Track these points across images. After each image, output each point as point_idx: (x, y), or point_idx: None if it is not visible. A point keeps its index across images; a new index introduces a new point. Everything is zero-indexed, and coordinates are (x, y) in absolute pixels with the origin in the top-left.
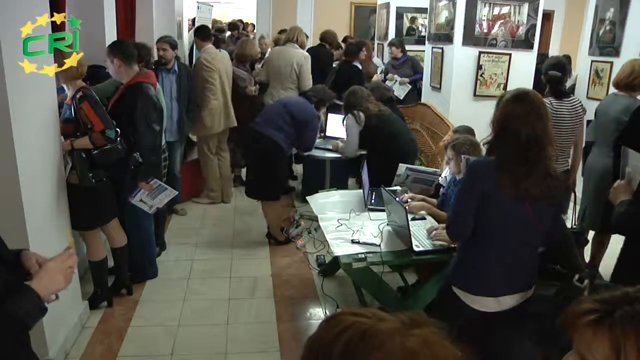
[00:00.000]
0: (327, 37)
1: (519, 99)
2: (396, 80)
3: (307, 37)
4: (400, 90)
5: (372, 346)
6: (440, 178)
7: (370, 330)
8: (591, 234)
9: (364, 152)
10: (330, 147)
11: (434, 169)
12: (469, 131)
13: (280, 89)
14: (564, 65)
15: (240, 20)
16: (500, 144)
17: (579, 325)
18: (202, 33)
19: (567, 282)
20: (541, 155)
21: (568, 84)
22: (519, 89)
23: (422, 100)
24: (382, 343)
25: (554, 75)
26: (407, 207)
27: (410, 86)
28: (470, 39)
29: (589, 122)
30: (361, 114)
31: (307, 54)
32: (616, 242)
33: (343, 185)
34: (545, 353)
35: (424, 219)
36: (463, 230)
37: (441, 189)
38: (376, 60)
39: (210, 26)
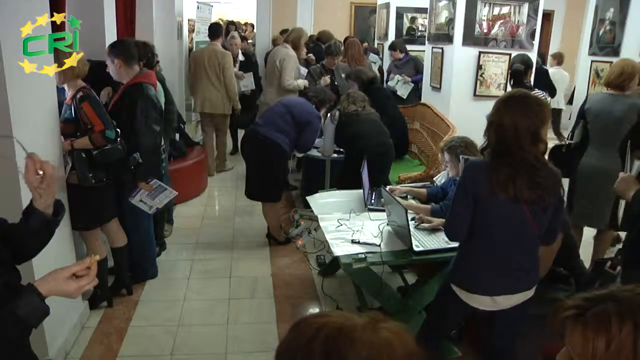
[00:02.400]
0: (322, 37)
1: (506, 101)
2: (398, 80)
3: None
4: (403, 89)
5: (351, 339)
6: (435, 185)
7: (345, 326)
8: (590, 234)
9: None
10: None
11: (423, 183)
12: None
13: (268, 85)
14: (528, 61)
15: (232, 23)
16: (488, 146)
17: (562, 321)
18: (210, 31)
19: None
20: (523, 156)
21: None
22: (509, 91)
23: (422, 100)
24: (359, 336)
25: (517, 68)
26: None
27: (412, 84)
28: (470, 39)
29: (578, 122)
30: (337, 112)
31: (292, 52)
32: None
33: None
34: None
35: None
36: (459, 230)
37: (435, 184)
38: (372, 56)
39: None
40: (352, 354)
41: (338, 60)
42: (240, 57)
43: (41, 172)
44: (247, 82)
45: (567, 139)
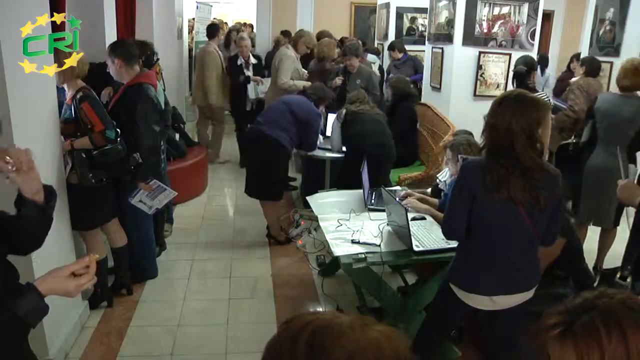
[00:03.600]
0: (321, 38)
1: (501, 102)
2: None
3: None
4: None
5: (337, 334)
6: (438, 181)
7: (332, 322)
8: (595, 232)
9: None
10: (330, 147)
11: (422, 190)
12: (468, 134)
13: (270, 85)
14: (531, 62)
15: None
16: (485, 146)
17: (547, 340)
18: (207, 31)
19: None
20: (517, 158)
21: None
22: (506, 91)
23: (422, 100)
24: (345, 333)
25: (519, 70)
26: (407, 204)
27: (411, 85)
28: (470, 39)
29: (586, 122)
30: (344, 110)
31: (290, 53)
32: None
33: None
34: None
35: (424, 218)
36: (456, 229)
37: (442, 193)
38: (370, 56)
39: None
40: (336, 349)
41: (350, 62)
42: (253, 60)
43: (8, 159)
44: (266, 88)
45: (574, 138)
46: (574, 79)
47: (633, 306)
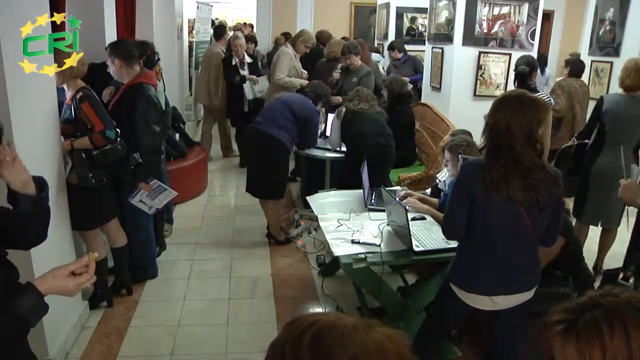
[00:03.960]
0: (321, 38)
1: (500, 101)
2: None
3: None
4: None
5: (340, 336)
6: (438, 181)
7: (336, 324)
8: (595, 232)
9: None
10: (330, 147)
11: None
12: (466, 134)
13: (270, 84)
14: (532, 62)
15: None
16: (485, 146)
17: (551, 336)
18: (214, 32)
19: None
20: (517, 157)
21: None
22: (505, 91)
23: (422, 100)
24: (349, 335)
25: (522, 70)
26: (407, 204)
27: (411, 85)
28: (470, 39)
29: (594, 124)
30: (343, 109)
31: (288, 51)
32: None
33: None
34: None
35: (424, 218)
36: (456, 229)
37: (442, 193)
38: (375, 56)
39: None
40: (340, 350)
41: (351, 60)
42: (248, 59)
43: None
44: (263, 87)
45: (576, 140)
46: (558, 79)
47: (638, 305)
